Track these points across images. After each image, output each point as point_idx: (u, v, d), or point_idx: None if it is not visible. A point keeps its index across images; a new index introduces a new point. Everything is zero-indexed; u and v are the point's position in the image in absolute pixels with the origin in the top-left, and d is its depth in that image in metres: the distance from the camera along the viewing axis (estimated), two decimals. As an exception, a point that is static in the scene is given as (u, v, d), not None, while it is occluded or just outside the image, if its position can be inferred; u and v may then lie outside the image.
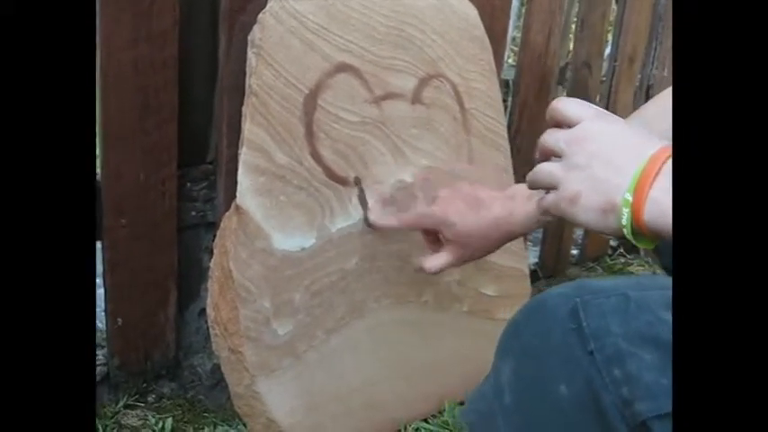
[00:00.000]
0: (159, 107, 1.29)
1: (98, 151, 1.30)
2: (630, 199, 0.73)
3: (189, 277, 1.46)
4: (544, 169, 0.82)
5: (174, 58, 1.29)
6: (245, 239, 1.19)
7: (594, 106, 0.83)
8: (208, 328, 1.31)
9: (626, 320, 0.74)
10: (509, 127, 1.82)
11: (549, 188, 0.81)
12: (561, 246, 2.25)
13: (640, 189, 0.72)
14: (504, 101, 1.76)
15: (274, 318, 1.23)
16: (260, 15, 1.21)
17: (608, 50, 2.39)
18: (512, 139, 1.73)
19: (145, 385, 1.45)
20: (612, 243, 2.54)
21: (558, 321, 0.78)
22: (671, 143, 0.73)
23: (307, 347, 1.28)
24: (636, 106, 2.40)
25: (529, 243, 2.30)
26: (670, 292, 0.69)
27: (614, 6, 2.39)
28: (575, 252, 2.40)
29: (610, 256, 2.50)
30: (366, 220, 1.32)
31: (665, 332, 0.72)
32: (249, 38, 1.22)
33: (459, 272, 1.47)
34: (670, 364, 0.67)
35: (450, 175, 1.40)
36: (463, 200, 1.21)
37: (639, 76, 2.43)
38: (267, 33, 1.20)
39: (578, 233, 2.42)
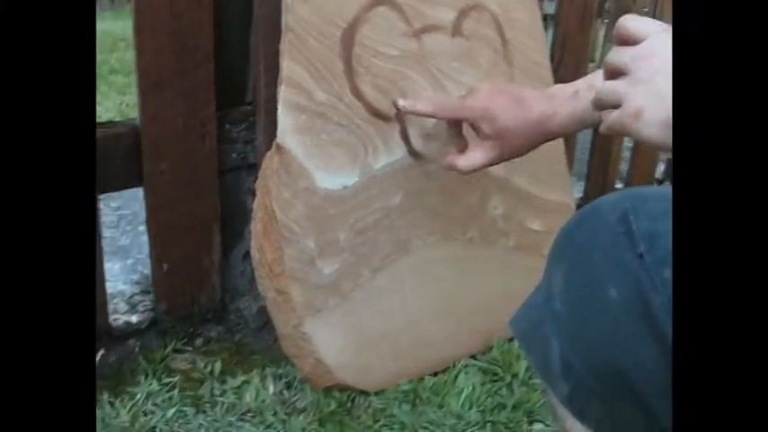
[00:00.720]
0: (195, 49, 1.28)
1: (135, 96, 1.29)
2: None
3: (232, 220, 1.45)
4: (608, 87, 0.80)
5: (208, -2, 1.27)
6: (288, 179, 1.18)
7: (661, 23, 0.80)
8: (252, 271, 1.30)
9: None
10: (551, 59, 1.78)
11: (614, 106, 0.80)
12: (606, 179, 2.22)
13: None
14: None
15: (319, 257, 1.22)
16: (294, -51, 1.18)
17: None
18: (554, 72, 1.69)
19: (192, 329, 1.45)
20: (658, 176, 2.51)
21: (608, 226, 0.77)
22: None
23: (353, 286, 1.27)
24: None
25: (573, 177, 2.27)
26: None
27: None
28: (620, 186, 2.37)
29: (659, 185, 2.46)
30: (395, 103, 1.26)
31: None
32: (284, -27, 1.20)
33: (503, 205, 1.45)
34: None
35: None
36: (505, 95, 1.18)
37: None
38: (302, -33, 1.17)
39: (623, 167, 2.38)
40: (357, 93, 1.23)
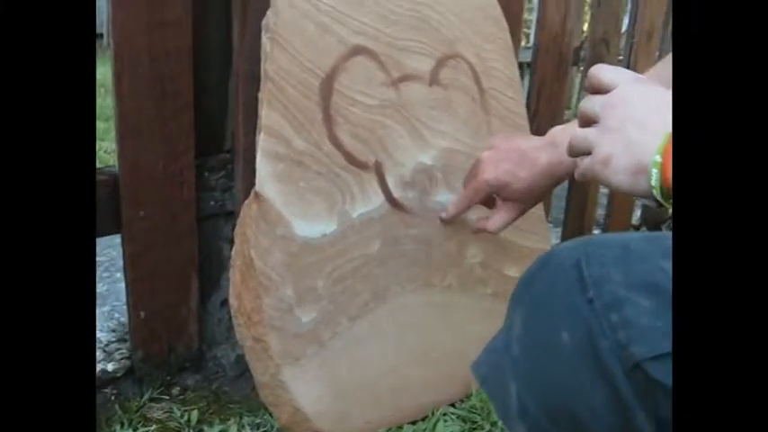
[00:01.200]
0: (175, 95, 1.28)
1: (114, 142, 1.29)
2: (659, 160, 0.74)
3: (209, 268, 1.45)
4: (580, 134, 0.83)
5: (188, 45, 1.27)
6: (266, 227, 1.18)
7: (631, 71, 0.84)
8: (230, 319, 1.30)
9: (625, 269, 0.77)
10: (528, 107, 1.80)
11: (585, 153, 0.82)
12: (583, 225, 2.24)
13: (669, 150, 0.73)
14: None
15: (298, 305, 1.22)
16: (273, 0, 1.19)
17: (625, 26, 2.36)
18: (531, 120, 1.71)
19: (169, 378, 1.44)
20: (635, 222, 2.52)
21: (563, 272, 0.80)
22: None
23: (331, 334, 1.26)
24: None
25: (550, 224, 2.29)
26: (668, 243, 0.74)
27: (630, -18, 2.36)
28: (596, 232, 2.38)
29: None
30: (441, 219, 1.38)
31: (663, 280, 0.74)
32: (263, 23, 1.21)
33: (482, 254, 1.45)
34: (666, 309, 0.71)
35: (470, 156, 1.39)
36: (507, 159, 1.21)
37: (658, 51, 2.40)
38: (281, 18, 1.18)
39: (600, 213, 2.39)
40: (335, 141, 1.24)
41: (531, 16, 2.47)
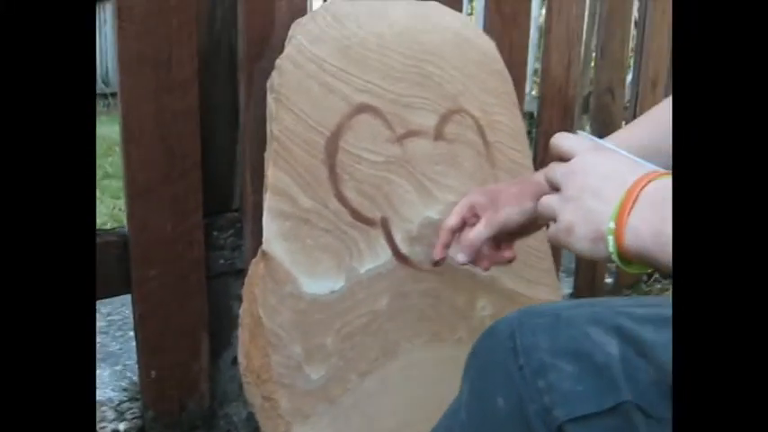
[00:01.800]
0: (182, 157, 1.30)
1: (123, 203, 1.30)
2: (613, 226, 0.77)
3: (220, 326, 1.45)
4: (544, 201, 0.88)
5: (194, 107, 1.29)
6: (274, 285, 1.19)
7: (591, 138, 0.90)
8: (241, 377, 1.30)
9: (553, 336, 0.82)
10: (534, 158, 1.81)
11: (551, 219, 0.87)
12: (595, 275, 2.23)
13: (620, 217, 0.76)
14: (529, 133, 1.76)
15: (306, 363, 1.22)
16: (277, 61, 1.21)
17: (630, 76, 2.38)
18: (537, 171, 1.72)
19: (181, 436, 1.44)
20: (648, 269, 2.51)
21: (501, 342, 0.86)
22: (660, 168, 0.79)
23: (341, 391, 1.26)
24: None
25: (563, 273, 2.28)
26: (599, 309, 0.84)
27: (633, 32, 2.38)
28: (609, 281, 2.38)
29: (645, 282, 2.47)
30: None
31: (586, 345, 0.80)
32: (268, 84, 1.23)
33: (491, 306, 1.45)
34: (586, 373, 0.79)
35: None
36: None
37: (663, 99, 2.41)
38: (285, 78, 1.20)
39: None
40: (342, 198, 1.25)
41: (539, 65, 2.49)
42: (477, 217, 1.20)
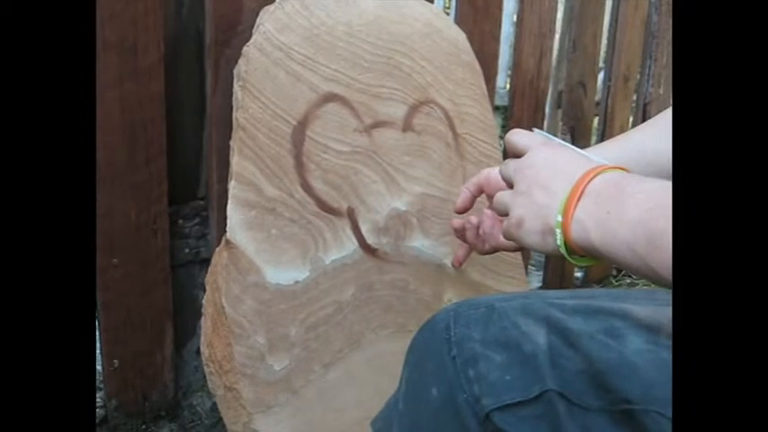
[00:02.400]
0: (147, 144, 1.28)
1: (87, 191, 1.29)
2: (560, 219, 0.78)
3: (184, 315, 1.44)
4: (498, 197, 0.89)
5: (160, 93, 1.28)
6: (237, 275, 1.18)
7: (545, 135, 0.91)
8: (204, 367, 1.29)
9: (486, 328, 0.85)
10: (504, 152, 1.80)
11: (504, 214, 0.88)
12: (565, 269, 2.23)
13: (567, 210, 0.77)
14: (504, 126, 1.75)
15: (269, 353, 1.21)
16: (244, 48, 1.20)
17: (602, 72, 2.39)
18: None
19: (144, 426, 1.43)
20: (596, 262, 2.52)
21: (437, 333, 0.88)
22: (608, 162, 0.81)
23: (304, 382, 1.26)
24: (633, 124, 2.40)
25: (532, 267, 2.29)
26: (531, 300, 0.86)
27: (606, 26, 2.38)
28: (578, 275, 2.38)
29: (615, 277, 2.48)
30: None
31: (516, 335, 0.83)
32: (235, 71, 1.22)
33: (457, 298, 1.45)
34: (514, 362, 0.81)
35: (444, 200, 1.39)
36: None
37: (635, 94, 2.42)
38: (252, 66, 1.19)
39: (581, 255, 2.39)
40: (308, 188, 1.24)
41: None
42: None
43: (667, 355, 0.77)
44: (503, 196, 0.88)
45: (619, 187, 0.75)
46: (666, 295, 0.75)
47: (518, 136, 0.90)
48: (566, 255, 0.79)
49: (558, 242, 0.78)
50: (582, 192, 0.77)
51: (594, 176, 0.78)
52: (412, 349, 0.94)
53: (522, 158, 0.87)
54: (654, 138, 1.06)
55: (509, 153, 0.91)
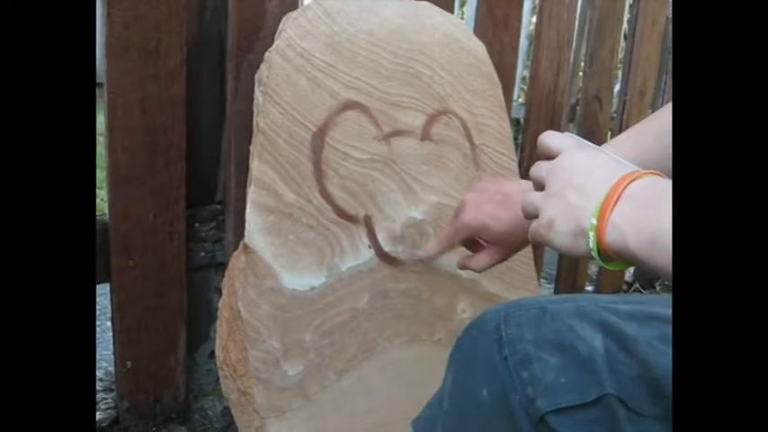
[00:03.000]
0: (167, 147, 1.29)
1: (105, 191, 1.29)
2: (595, 222, 0.77)
3: (198, 318, 1.44)
4: (528, 198, 0.88)
5: (181, 97, 1.28)
6: (254, 279, 1.18)
7: (576, 137, 0.89)
8: (218, 370, 1.29)
9: (538, 329, 0.83)
10: (520, 164, 1.81)
11: (533, 216, 0.87)
12: (576, 282, 2.23)
13: (603, 213, 0.77)
14: (516, 139, 1.76)
15: (284, 358, 1.21)
16: (266, 54, 1.21)
17: (618, 86, 2.39)
18: (523, 176, 1.72)
19: (155, 428, 1.43)
20: (628, 279, 2.52)
21: (486, 333, 0.87)
22: (643, 168, 0.80)
23: (318, 389, 1.26)
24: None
25: (543, 280, 2.29)
26: (584, 303, 0.84)
27: (623, 41, 2.39)
28: (590, 288, 2.38)
29: (625, 291, 2.48)
30: (421, 261, 1.35)
31: (570, 338, 0.81)
32: (256, 76, 1.22)
33: (471, 309, 1.45)
34: (570, 365, 0.79)
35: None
36: (490, 201, 1.19)
37: (650, 110, 2.42)
38: (274, 71, 1.19)
39: (593, 269, 2.39)
40: (326, 194, 1.24)
41: (529, 73, 2.49)
42: None
43: None
44: (533, 197, 0.87)
45: (657, 192, 0.75)
46: None
47: (551, 138, 0.89)
48: (597, 258, 0.79)
49: (591, 245, 0.78)
50: (620, 195, 0.76)
51: (632, 181, 0.77)
52: (458, 349, 0.93)
53: (556, 160, 0.85)
54: (667, 123, 1.05)
55: (540, 155, 0.90)
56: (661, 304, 0.86)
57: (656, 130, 1.08)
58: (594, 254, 0.78)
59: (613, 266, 0.81)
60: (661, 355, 0.79)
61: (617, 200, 0.76)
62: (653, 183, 0.77)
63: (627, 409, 0.79)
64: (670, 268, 0.70)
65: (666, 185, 0.75)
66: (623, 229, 0.75)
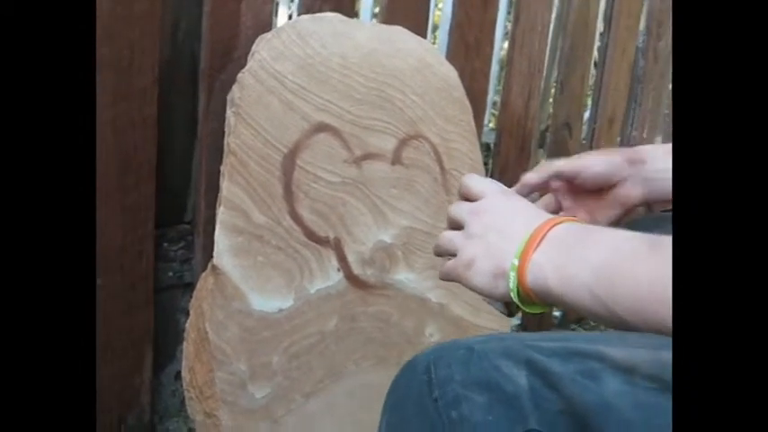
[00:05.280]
0: (137, 166, 1.28)
1: (74, 211, 1.28)
2: (517, 263, 0.79)
3: (165, 339, 1.43)
4: (446, 237, 0.90)
5: (153, 116, 1.28)
6: (222, 300, 1.18)
7: (499, 184, 0.92)
8: (184, 392, 1.28)
9: (466, 369, 0.83)
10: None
11: (450, 254, 0.89)
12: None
13: (525, 254, 0.79)
14: (486, 164, 1.77)
15: (251, 381, 1.21)
16: (239, 75, 1.21)
17: (588, 113, 2.41)
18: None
19: (118, 450, 1.42)
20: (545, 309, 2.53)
21: (417, 376, 0.86)
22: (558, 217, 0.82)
23: (284, 411, 1.25)
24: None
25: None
26: (509, 342, 0.82)
27: (593, 69, 2.41)
28: (557, 314, 2.39)
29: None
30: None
31: (495, 376, 0.81)
32: (228, 97, 1.23)
33: (439, 333, 1.45)
34: (497, 403, 0.79)
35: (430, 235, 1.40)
36: None
37: (619, 137, 2.44)
38: (246, 92, 1.20)
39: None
40: (296, 217, 1.24)
41: (498, 98, 2.52)
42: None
43: (644, 395, 0.78)
44: (452, 235, 0.89)
45: (580, 234, 0.78)
46: (638, 338, 0.76)
47: (474, 181, 0.92)
48: (515, 298, 0.81)
49: (511, 285, 0.80)
50: (543, 237, 0.79)
51: (555, 225, 0.80)
52: (392, 391, 0.93)
53: (479, 202, 0.88)
54: None
55: (461, 196, 0.93)
56: (582, 340, 0.88)
57: None
58: (513, 294, 0.80)
59: (531, 309, 0.83)
60: (584, 390, 0.80)
61: (540, 241, 0.79)
62: (576, 227, 0.80)
63: None
64: (590, 305, 0.74)
65: (594, 228, 0.79)
66: (544, 269, 0.77)
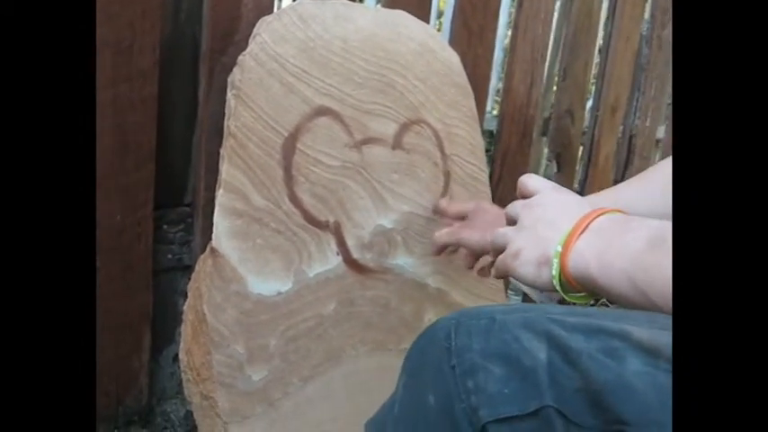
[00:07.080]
0: (137, 147, 1.28)
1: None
2: (560, 249, 0.81)
3: (163, 321, 1.43)
4: (499, 232, 0.92)
5: (153, 97, 1.28)
6: (220, 283, 1.17)
7: (553, 183, 0.95)
8: (182, 373, 1.28)
9: (486, 339, 0.86)
10: (491, 175, 1.81)
11: (503, 248, 0.91)
12: (543, 295, 2.24)
13: (568, 241, 0.81)
14: (488, 151, 1.76)
15: (248, 363, 1.21)
16: (240, 57, 1.20)
17: (591, 101, 2.40)
18: (493, 188, 1.73)
19: (117, 431, 1.42)
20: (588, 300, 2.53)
21: (436, 342, 0.90)
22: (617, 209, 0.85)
23: (281, 395, 1.25)
24: (618, 156, 2.41)
25: (511, 292, 2.29)
26: (533, 314, 0.86)
27: (597, 57, 2.40)
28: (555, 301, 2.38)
29: (593, 305, 2.48)
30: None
31: (514, 349, 0.84)
32: (229, 79, 1.22)
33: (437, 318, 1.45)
34: (514, 376, 0.82)
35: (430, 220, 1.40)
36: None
37: (622, 126, 2.44)
38: (247, 75, 1.19)
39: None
40: (295, 200, 1.24)
41: (501, 84, 2.51)
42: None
43: (665, 379, 0.78)
44: (505, 230, 0.91)
45: (622, 223, 0.80)
46: (666, 320, 0.76)
47: (530, 178, 0.95)
48: (558, 286, 0.82)
49: (554, 272, 0.81)
50: (586, 227, 0.81)
51: (599, 215, 0.82)
52: (411, 355, 0.96)
53: (532, 198, 0.91)
54: (646, 197, 1.09)
55: (519, 195, 0.95)
56: (608, 317, 0.88)
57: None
58: (556, 281, 0.82)
59: (574, 299, 0.84)
60: (603, 368, 0.81)
61: (583, 230, 0.81)
62: (618, 217, 0.82)
63: (566, 420, 0.81)
64: (628, 292, 0.75)
65: (634, 218, 0.80)
66: (586, 256, 0.79)
